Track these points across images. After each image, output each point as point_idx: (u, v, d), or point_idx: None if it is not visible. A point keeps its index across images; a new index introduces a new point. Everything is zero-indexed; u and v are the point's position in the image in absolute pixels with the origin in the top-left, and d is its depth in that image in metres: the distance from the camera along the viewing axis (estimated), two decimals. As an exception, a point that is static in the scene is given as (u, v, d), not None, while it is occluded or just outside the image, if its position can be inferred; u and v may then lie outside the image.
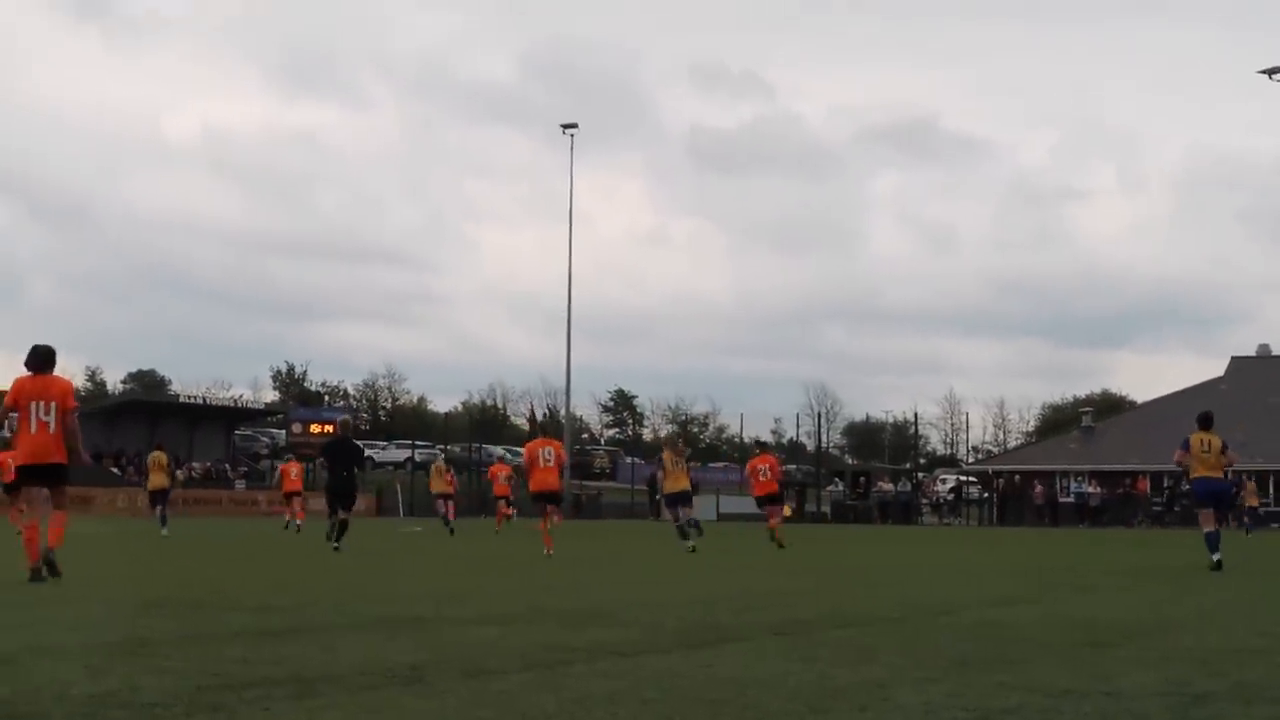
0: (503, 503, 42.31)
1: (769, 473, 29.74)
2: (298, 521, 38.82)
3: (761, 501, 29.86)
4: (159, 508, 33.34)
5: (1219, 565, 18.77)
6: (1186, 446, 19.55)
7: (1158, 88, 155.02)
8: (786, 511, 29.13)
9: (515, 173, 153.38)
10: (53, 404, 14.13)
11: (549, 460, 23.53)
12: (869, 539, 37.13)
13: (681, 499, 26.10)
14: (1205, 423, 19.74)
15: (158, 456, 34.52)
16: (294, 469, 42.63)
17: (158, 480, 33.84)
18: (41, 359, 14.38)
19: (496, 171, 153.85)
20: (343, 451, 24.30)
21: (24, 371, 14.33)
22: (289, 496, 41.02)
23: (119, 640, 8.54)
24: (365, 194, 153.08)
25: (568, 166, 72.56)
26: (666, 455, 26.56)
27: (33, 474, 14.35)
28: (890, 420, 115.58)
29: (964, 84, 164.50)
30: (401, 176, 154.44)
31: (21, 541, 14.60)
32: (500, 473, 43.86)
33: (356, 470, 24.92)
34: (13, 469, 14.50)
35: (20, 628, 9.36)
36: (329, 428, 74.28)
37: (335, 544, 23.07)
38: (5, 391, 14.71)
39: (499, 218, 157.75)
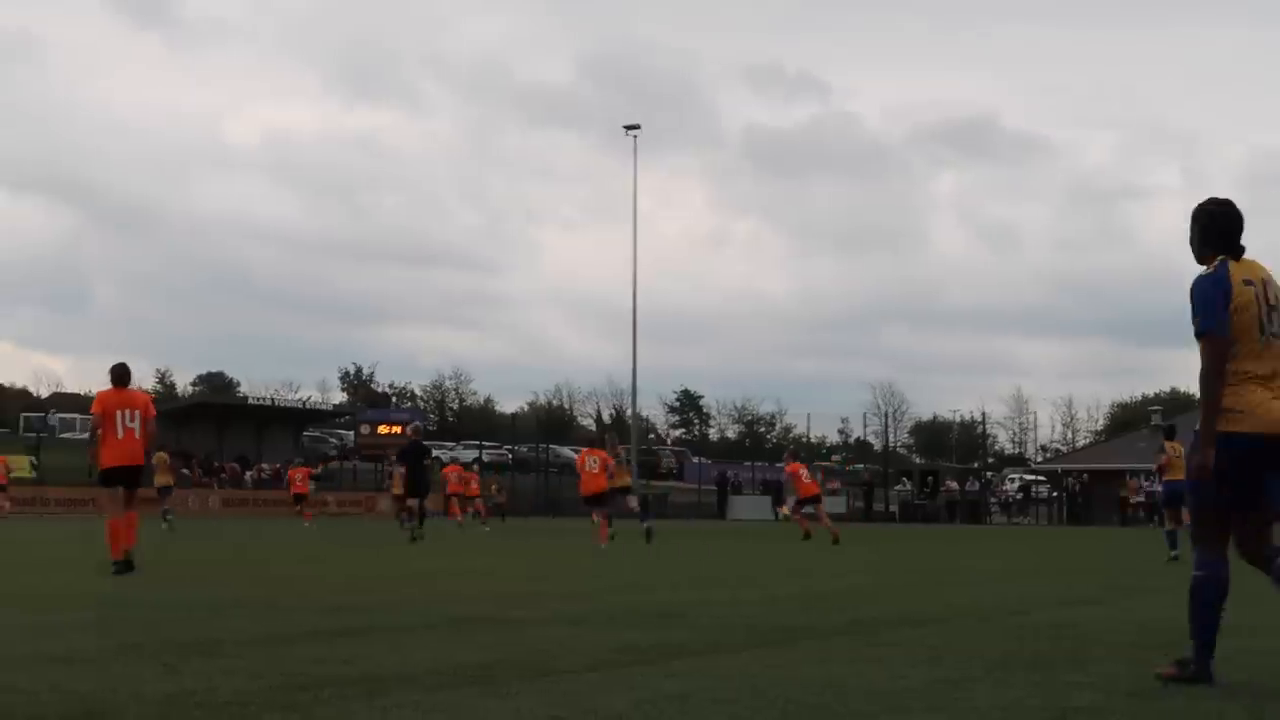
0: (454, 500, 45.10)
1: (808, 476, 32.91)
2: (305, 522, 41.35)
3: (804, 503, 32.41)
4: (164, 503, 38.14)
5: (1176, 559, 21.23)
6: (1164, 452, 23.10)
7: (1219, 86, 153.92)
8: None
9: (575, 175, 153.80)
10: (137, 412, 16.16)
11: (594, 468, 27.54)
12: (937, 538, 36.99)
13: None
14: (1170, 433, 23.86)
15: (162, 457, 38.27)
16: (298, 474, 45.82)
17: (162, 479, 38.34)
18: (123, 374, 16.49)
19: (556, 174, 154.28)
20: (415, 453, 30.84)
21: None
22: (297, 499, 44.52)
23: (194, 640, 8.63)
24: (426, 197, 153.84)
25: (627, 168, 72.91)
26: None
27: (118, 475, 16.08)
28: (958, 420, 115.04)
29: (1023, 83, 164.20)
30: (462, 179, 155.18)
31: (105, 535, 16.13)
32: (451, 473, 46.88)
33: (426, 466, 31.72)
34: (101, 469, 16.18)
35: (95, 626, 9.51)
36: (396, 429, 74.71)
37: (416, 528, 28.34)
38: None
39: (560, 220, 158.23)
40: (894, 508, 72.31)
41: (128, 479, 16.12)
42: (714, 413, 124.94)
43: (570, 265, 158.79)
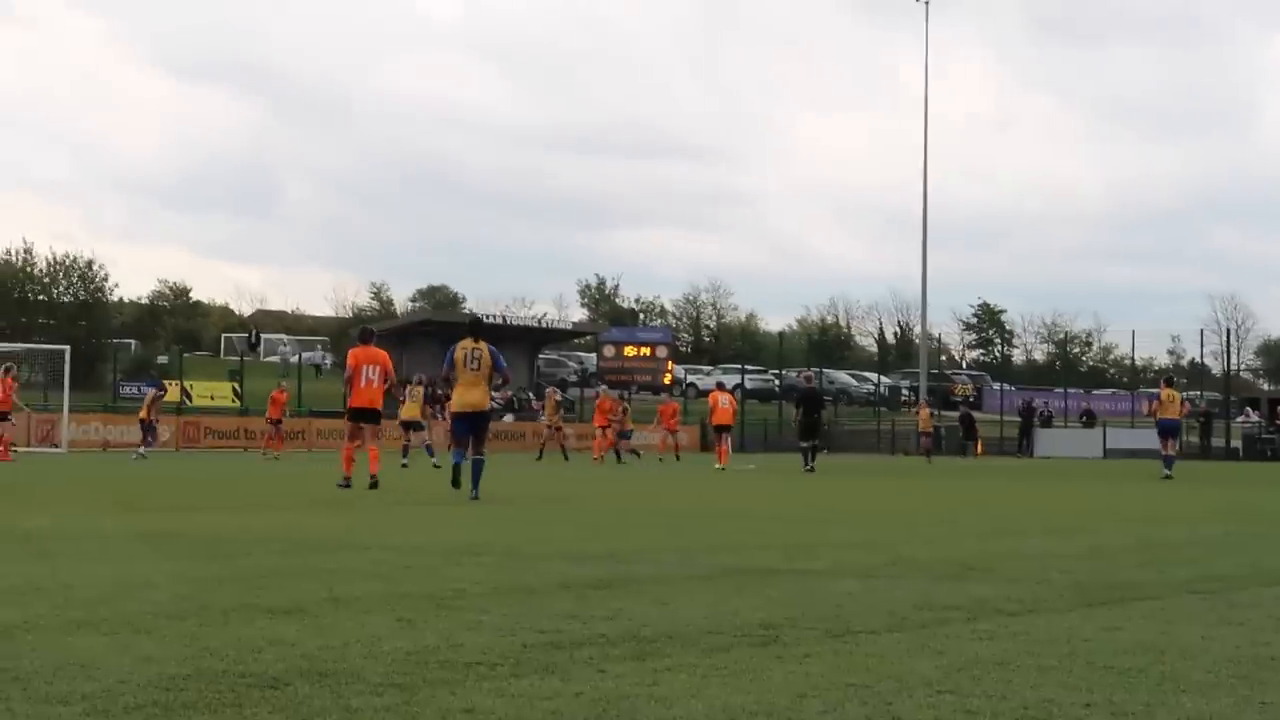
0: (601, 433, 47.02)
1: (729, 404, 43.78)
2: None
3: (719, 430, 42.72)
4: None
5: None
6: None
7: None
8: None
9: (827, 47, 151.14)
10: (378, 367, 23.83)
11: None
12: (1293, 480, 36.00)
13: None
14: (1170, 381, 35.24)
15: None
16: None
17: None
18: (368, 337, 25.37)
19: (806, 46, 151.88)
20: (812, 399, 40.04)
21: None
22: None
23: (431, 591, 8.82)
24: (653, 79, 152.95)
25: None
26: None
27: (362, 415, 23.76)
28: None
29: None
30: (694, 57, 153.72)
31: (341, 458, 23.34)
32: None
33: (821, 413, 42.44)
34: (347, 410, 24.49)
35: (318, 575, 9.70)
36: (645, 350, 75.38)
37: (809, 468, 37.17)
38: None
39: (811, 102, 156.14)
40: (1236, 443, 70.55)
41: (369, 419, 23.70)
42: (1018, 330, 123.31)
43: (831, 156, 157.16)
